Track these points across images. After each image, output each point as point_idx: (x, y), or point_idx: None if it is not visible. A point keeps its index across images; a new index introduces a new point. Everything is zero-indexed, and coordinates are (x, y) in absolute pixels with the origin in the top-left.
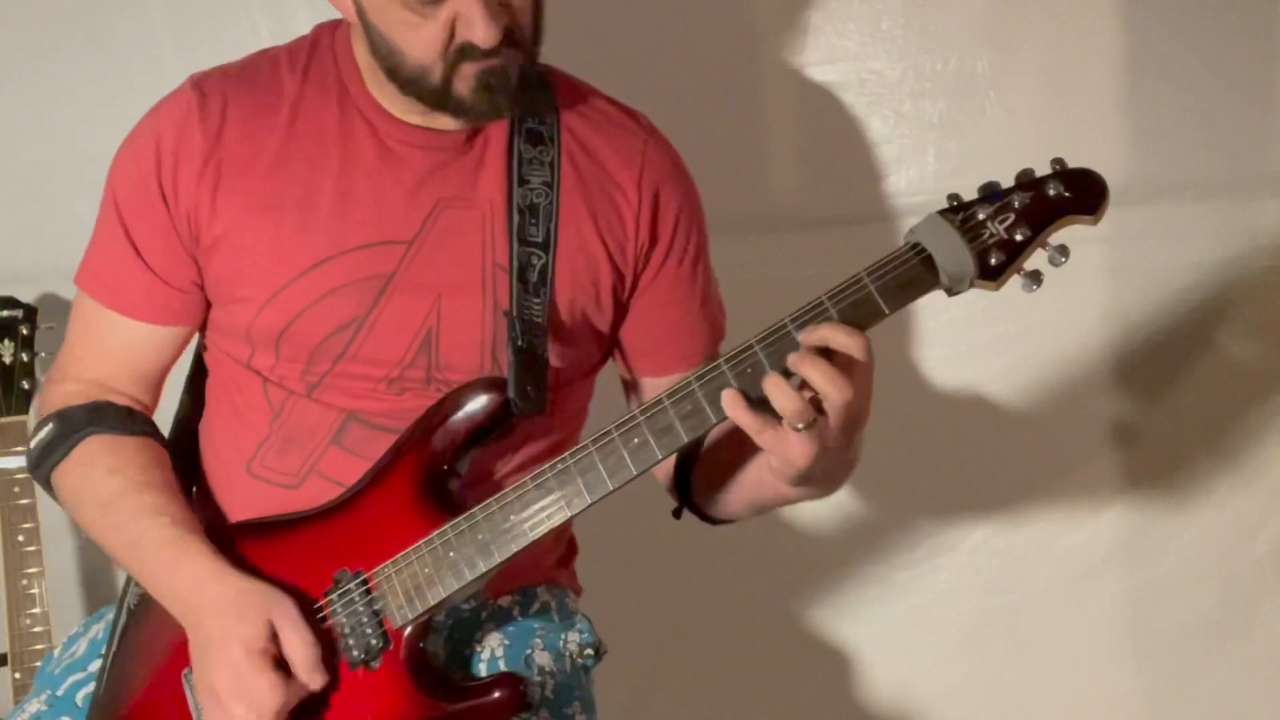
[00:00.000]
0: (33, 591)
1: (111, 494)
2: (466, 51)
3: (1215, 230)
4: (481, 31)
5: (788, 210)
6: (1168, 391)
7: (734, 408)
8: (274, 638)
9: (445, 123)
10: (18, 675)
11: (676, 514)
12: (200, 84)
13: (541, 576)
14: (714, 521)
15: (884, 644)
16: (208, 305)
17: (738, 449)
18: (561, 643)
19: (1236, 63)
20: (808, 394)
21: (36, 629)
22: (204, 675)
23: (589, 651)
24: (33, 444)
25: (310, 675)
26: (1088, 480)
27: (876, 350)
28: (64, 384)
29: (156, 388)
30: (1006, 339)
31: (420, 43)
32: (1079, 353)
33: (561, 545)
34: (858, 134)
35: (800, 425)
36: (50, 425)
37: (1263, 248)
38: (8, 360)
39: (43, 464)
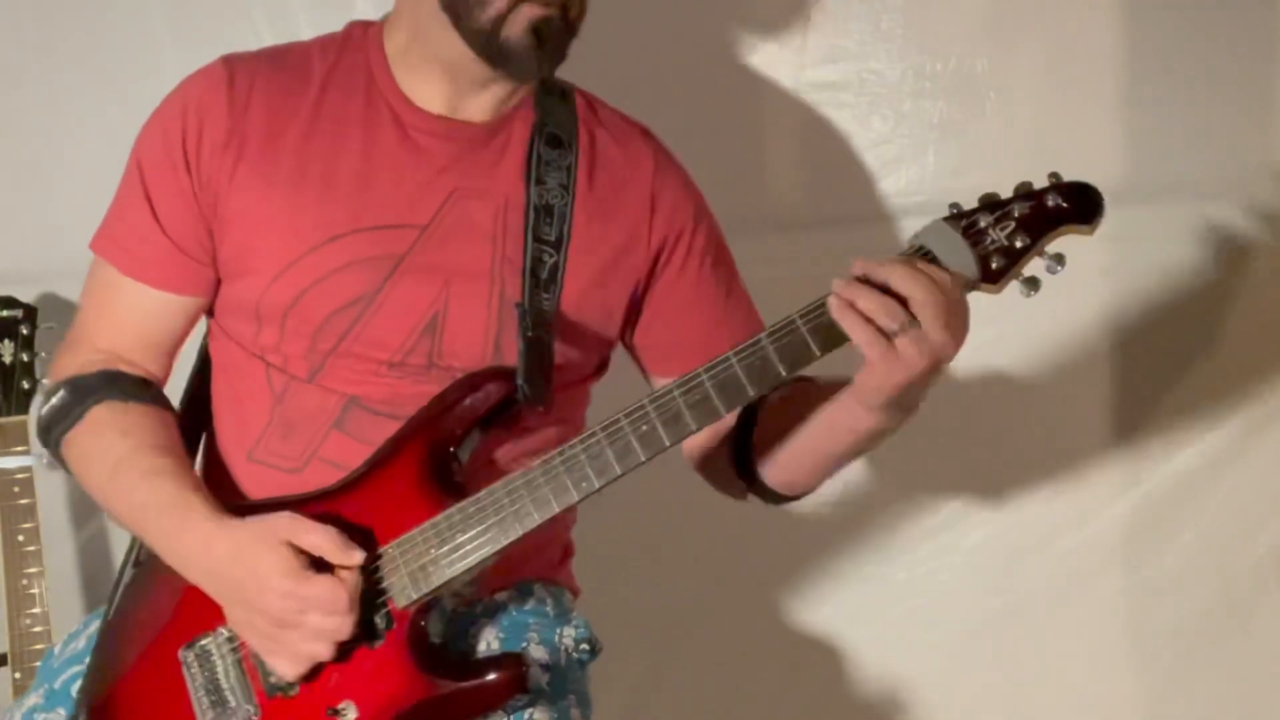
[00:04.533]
0: (33, 591)
1: (122, 456)
2: None
3: (1215, 230)
4: None
5: (788, 210)
6: (1168, 391)
7: (844, 315)
8: (298, 552)
9: (468, 113)
10: (18, 675)
11: (740, 492)
12: (231, 60)
13: (540, 573)
14: (778, 500)
15: (884, 644)
16: (219, 280)
17: (803, 409)
18: (557, 637)
19: (1236, 63)
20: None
21: (36, 629)
22: (253, 619)
23: (584, 647)
24: (44, 410)
25: (348, 555)
26: (1088, 480)
27: None
28: (77, 353)
29: (168, 361)
30: (1006, 339)
31: None
32: (1079, 352)
33: (560, 543)
34: (858, 134)
35: (895, 326)
36: (62, 391)
37: (1263, 248)
38: (8, 360)
39: (53, 429)
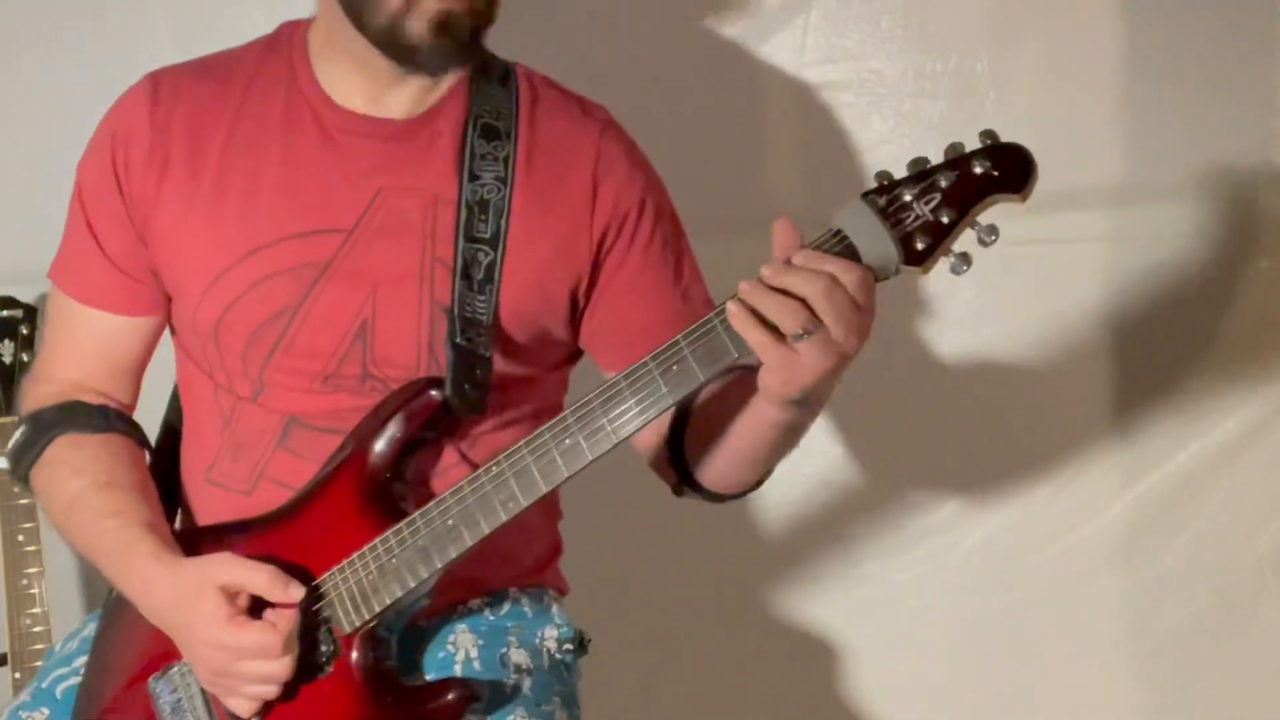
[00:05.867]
0: (33, 591)
1: (74, 496)
2: None
3: (1215, 230)
4: None
5: (788, 210)
6: (1168, 391)
7: (742, 324)
8: (233, 596)
9: (389, 110)
10: (18, 675)
11: (677, 491)
12: (155, 76)
13: (519, 578)
14: (715, 498)
15: (884, 644)
16: (169, 297)
17: (724, 403)
18: (538, 639)
19: (1236, 63)
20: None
21: (36, 629)
22: (196, 664)
23: (568, 647)
24: (9, 447)
25: (285, 592)
26: (1088, 480)
27: (873, 349)
28: (41, 385)
29: (133, 384)
30: (1006, 338)
31: None
32: (1079, 352)
33: (545, 543)
34: (858, 134)
35: (798, 330)
36: (23, 427)
37: (1263, 248)
38: (8, 360)
39: (18, 466)
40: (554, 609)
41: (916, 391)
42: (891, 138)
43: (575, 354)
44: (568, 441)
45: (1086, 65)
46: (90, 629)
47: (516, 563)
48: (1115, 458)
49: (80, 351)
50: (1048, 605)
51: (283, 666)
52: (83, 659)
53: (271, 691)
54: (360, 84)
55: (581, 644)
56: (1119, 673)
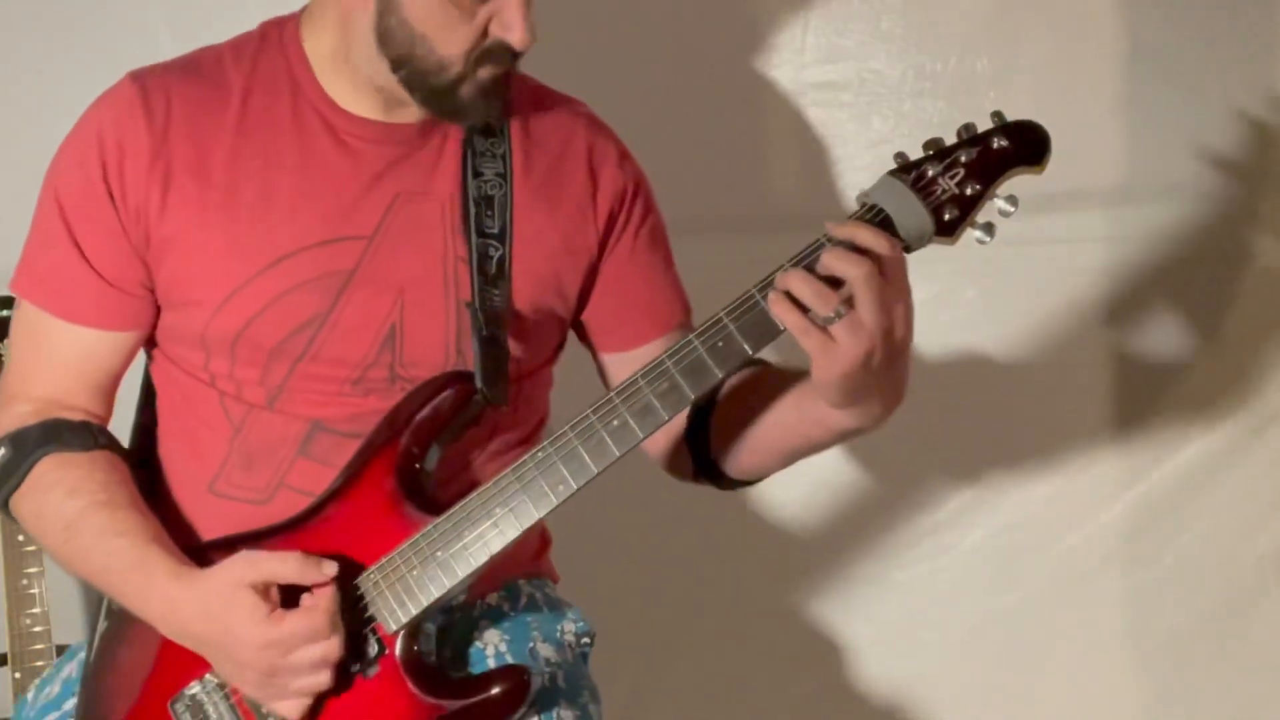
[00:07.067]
0: (33, 591)
1: (73, 516)
2: (491, 53)
3: (1215, 230)
4: (519, 35)
5: (788, 210)
6: (1168, 391)
7: (782, 309)
8: (266, 592)
9: (401, 116)
10: (18, 675)
11: (695, 478)
12: (141, 78)
13: (520, 569)
14: (731, 485)
15: (884, 644)
16: (158, 309)
17: (767, 396)
18: (559, 633)
19: (1236, 63)
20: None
21: (36, 629)
22: (242, 672)
23: (586, 640)
24: None
25: (316, 573)
26: (1088, 480)
27: None
28: (14, 405)
29: (110, 397)
30: (1007, 339)
31: (454, 40)
32: (1079, 352)
33: (536, 536)
34: (858, 134)
35: (830, 313)
36: (3, 450)
37: (1263, 248)
38: (7, 360)
39: None
40: (563, 602)
41: (916, 391)
42: (891, 138)
43: (560, 346)
44: (615, 421)
45: (1086, 65)
46: (68, 669)
47: (518, 554)
48: (1115, 458)
49: (56, 368)
50: (1048, 605)
51: (334, 646)
52: (72, 700)
53: (324, 681)
54: (372, 98)
55: (591, 639)
56: (1119, 672)
